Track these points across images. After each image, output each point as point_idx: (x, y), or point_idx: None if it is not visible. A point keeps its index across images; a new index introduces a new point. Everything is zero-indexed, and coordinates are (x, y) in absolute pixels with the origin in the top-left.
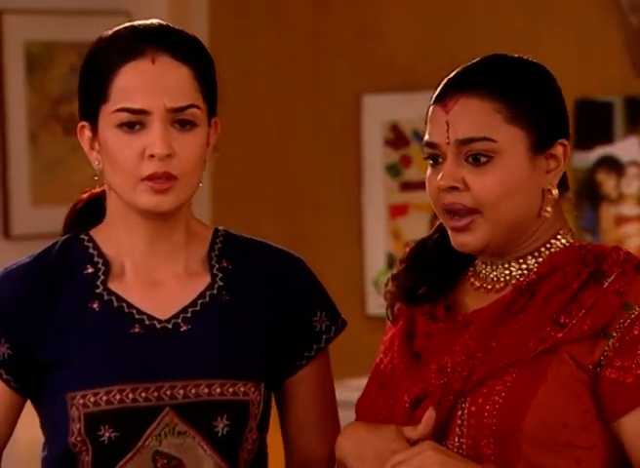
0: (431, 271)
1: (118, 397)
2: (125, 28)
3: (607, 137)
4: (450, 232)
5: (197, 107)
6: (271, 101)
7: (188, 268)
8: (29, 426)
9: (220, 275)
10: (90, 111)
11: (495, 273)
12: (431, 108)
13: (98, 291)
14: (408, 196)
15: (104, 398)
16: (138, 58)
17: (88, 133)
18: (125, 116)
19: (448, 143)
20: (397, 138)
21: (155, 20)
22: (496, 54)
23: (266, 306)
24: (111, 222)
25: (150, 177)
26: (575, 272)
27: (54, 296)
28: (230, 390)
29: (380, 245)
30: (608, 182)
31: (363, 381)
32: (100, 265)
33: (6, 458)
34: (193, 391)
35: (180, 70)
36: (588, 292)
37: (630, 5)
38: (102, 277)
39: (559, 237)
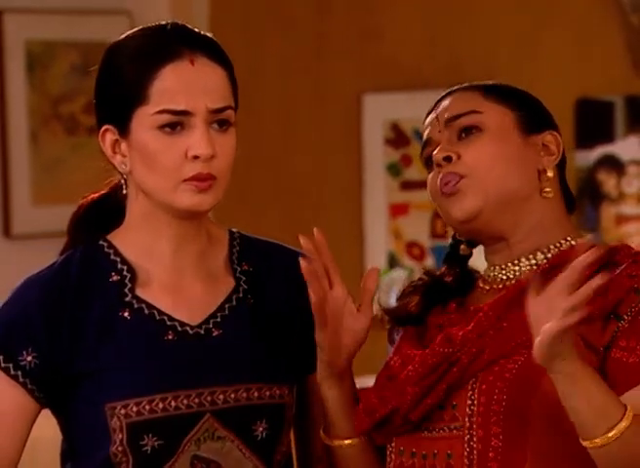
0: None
1: (161, 405)
2: (153, 30)
3: (608, 137)
4: (444, 207)
5: (233, 108)
6: (274, 101)
7: (211, 272)
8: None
9: (244, 278)
10: (119, 114)
11: (504, 272)
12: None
13: (127, 299)
14: (408, 195)
15: (147, 407)
16: (177, 60)
17: (111, 136)
18: (167, 118)
19: (440, 131)
20: (398, 138)
21: (176, 22)
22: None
23: (288, 308)
24: (134, 227)
25: (194, 178)
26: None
27: (82, 305)
28: (267, 394)
29: (381, 244)
30: (609, 181)
31: (364, 380)
32: (125, 272)
33: None
34: (232, 396)
35: (217, 71)
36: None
37: (631, 5)
38: (129, 284)
39: (569, 239)
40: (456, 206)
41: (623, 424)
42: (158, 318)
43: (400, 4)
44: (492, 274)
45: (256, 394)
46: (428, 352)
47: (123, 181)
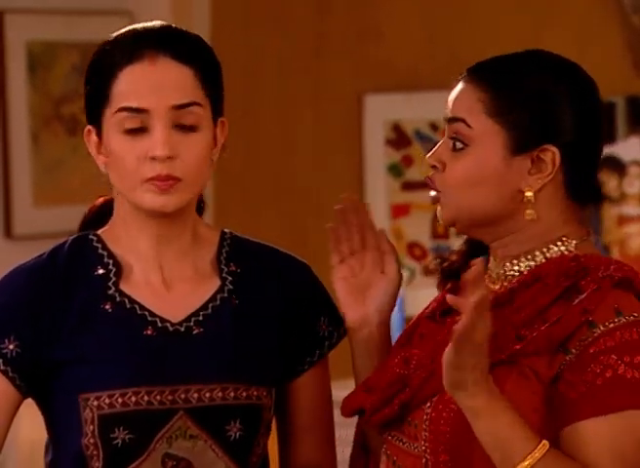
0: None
1: (134, 399)
2: (126, 32)
3: (609, 138)
4: None
5: (199, 105)
6: (273, 102)
7: (197, 271)
8: (30, 427)
9: (230, 279)
10: (94, 115)
11: (496, 270)
12: None
13: (110, 292)
14: (409, 196)
15: (120, 400)
16: (136, 62)
17: (94, 137)
18: (125, 115)
19: (446, 120)
20: (399, 138)
21: (157, 22)
22: (531, 49)
23: (275, 311)
24: (118, 224)
25: (153, 179)
26: (554, 285)
27: (66, 295)
28: (244, 394)
29: None
30: (610, 182)
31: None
32: (110, 266)
33: (7, 459)
34: (207, 395)
35: (181, 70)
36: (556, 309)
37: (632, 5)
38: (114, 278)
39: (559, 243)
40: (439, 211)
41: (526, 463)
42: (139, 313)
43: (400, 4)
44: (490, 266)
45: (232, 394)
46: (388, 369)
47: None
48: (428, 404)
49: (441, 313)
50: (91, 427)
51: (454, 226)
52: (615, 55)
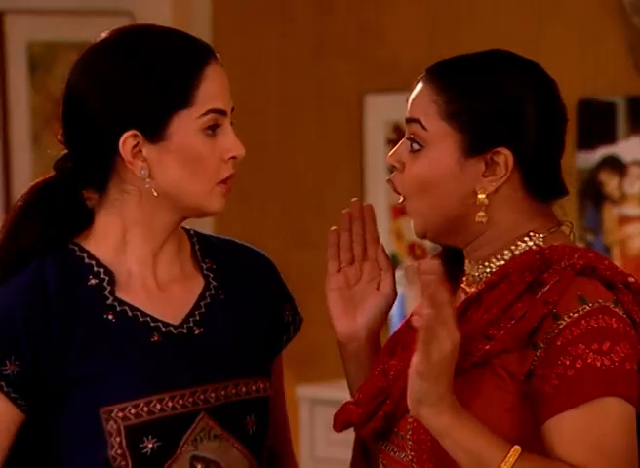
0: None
1: (159, 406)
2: (173, 36)
3: (610, 138)
4: None
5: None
6: (275, 102)
7: (183, 270)
8: None
9: (211, 275)
10: (151, 119)
11: (472, 273)
12: None
13: (108, 302)
14: None
15: (145, 409)
16: (212, 62)
17: (132, 142)
18: (211, 117)
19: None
20: (399, 139)
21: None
22: (492, 50)
23: (253, 302)
24: (111, 230)
25: (226, 180)
26: (518, 281)
27: (65, 311)
28: (253, 388)
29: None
30: (611, 182)
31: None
32: (102, 275)
33: None
34: (223, 393)
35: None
36: (521, 304)
37: (633, 5)
38: (109, 287)
39: (526, 239)
40: (411, 223)
41: None
42: (142, 320)
43: (401, 4)
44: (466, 269)
45: (243, 389)
46: (369, 383)
47: (111, 189)
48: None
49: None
50: (117, 439)
51: (426, 237)
52: (615, 55)
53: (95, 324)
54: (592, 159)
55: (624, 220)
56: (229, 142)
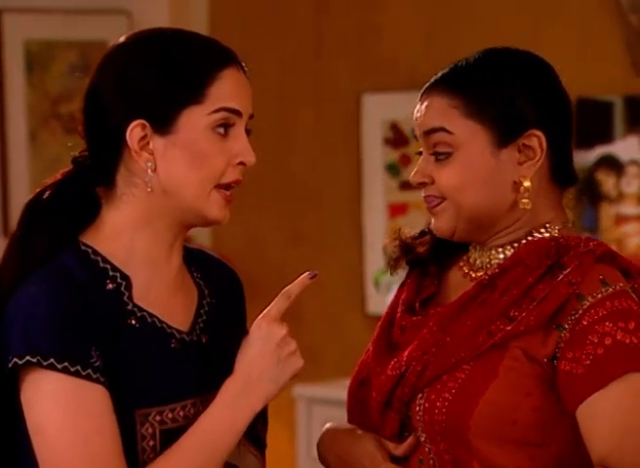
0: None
1: (192, 411)
2: (197, 38)
3: (607, 137)
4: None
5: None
6: (272, 100)
7: (183, 279)
8: None
9: (202, 283)
10: (162, 111)
11: (480, 259)
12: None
13: (129, 307)
14: (407, 195)
15: (181, 413)
16: (233, 66)
17: (140, 132)
18: (222, 115)
19: (421, 136)
20: (397, 138)
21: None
22: (485, 49)
23: (233, 311)
24: (125, 231)
25: (228, 186)
26: (536, 265)
27: (96, 311)
28: None
29: (380, 244)
30: (608, 182)
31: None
32: (118, 280)
33: None
34: None
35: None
36: (542, 286)
37: (630, 5)
38: (127, 292)
39: (542, 230)
40: (435, 224)
41: None
42: (159, 326)
43: (399, 3)
44: (472, 256)
45: None
46: (383, 378)
47: (119, 182)
48: (420, 394)
49: (420, 303)
50: (151, 443)
51: (451, 237)
52: (613, 54)
53: (118, 328)
54: (589, 158)
55: (621, 220)
56: (239, 146)
